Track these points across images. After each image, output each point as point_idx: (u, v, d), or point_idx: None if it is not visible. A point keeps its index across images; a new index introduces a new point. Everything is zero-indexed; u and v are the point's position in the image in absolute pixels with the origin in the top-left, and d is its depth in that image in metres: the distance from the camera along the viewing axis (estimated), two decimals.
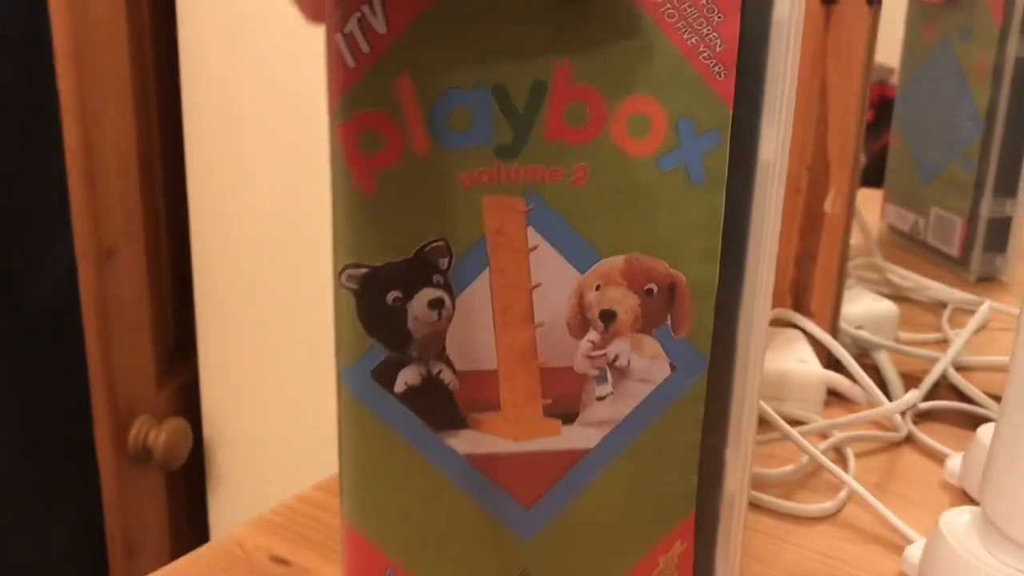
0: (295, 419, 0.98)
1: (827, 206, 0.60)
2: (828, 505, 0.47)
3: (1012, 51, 0.71)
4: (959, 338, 0.63)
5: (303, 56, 0.87)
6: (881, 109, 1.02)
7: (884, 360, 0.64)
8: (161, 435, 0.96)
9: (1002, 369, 0.64)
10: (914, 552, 0.42)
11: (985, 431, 0.49)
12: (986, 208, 0.77)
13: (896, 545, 0.45)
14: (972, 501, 0.48)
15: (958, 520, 0.41)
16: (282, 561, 0.42)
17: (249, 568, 0.42)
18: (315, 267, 0.92)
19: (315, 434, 0.97)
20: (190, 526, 1.07)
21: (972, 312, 0.73)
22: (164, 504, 1.03)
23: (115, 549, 0.99)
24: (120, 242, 0.91)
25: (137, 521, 1.00)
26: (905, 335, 0.69)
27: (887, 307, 0.68)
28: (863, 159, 1.04)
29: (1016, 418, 0.37)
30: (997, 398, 0.59)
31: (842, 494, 0.48)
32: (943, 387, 0.61)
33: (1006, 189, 0.75)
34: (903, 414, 0.57)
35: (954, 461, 0.51)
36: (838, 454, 0.53)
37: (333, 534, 0.44)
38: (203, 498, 1.07)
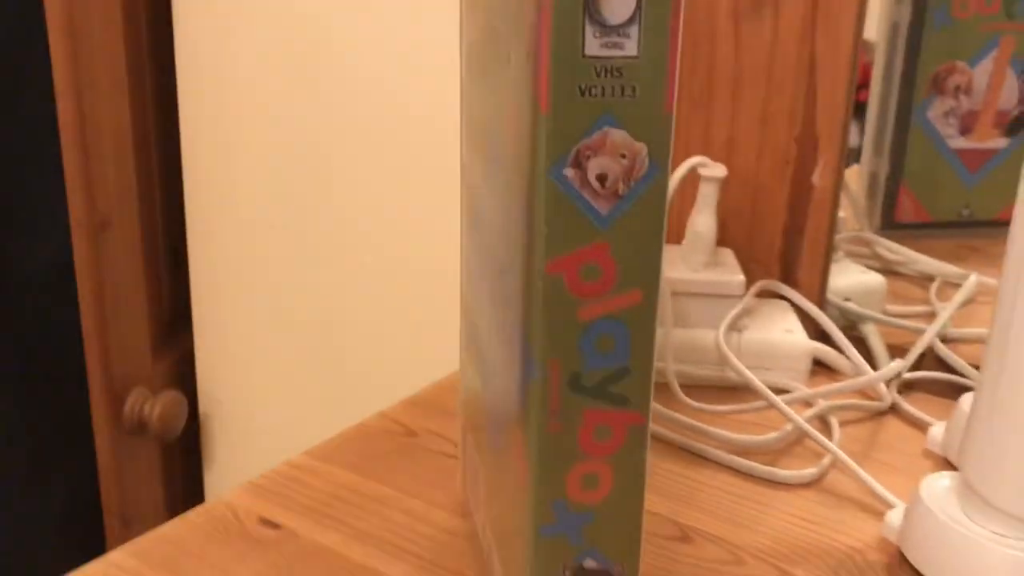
0: (290, 392, 0.99)
1: (815, 178, 0.60)
2: (811, 471, 0.48)
3: None
4: (946, 310, 0.64)
5: (299, 26, 0.87)
6: None
7: (871, 332, 0.64)
8: (156, 407, 0.97)
9: None
10: (894, 517, 0.43)
11: (968, 399, 0.50)
12: None
13: (877, 511, 0.46)
14: (954, 468, 0.49)
15: (938, 485, 0.42)
16: (272, 524, 0.43)
17: (240, 531, 0.42)
18: (311, 239, 0.92)
19: (310, 407, 0.98)
20: (186, 498, 1.08)
21: (961, 286, 0.74)
22: (160, 476, 1.04)
23: (111, 520, 1.00)
24: (114, 215, 0.91)
25: (133, 493, 1.01)
26: (893, 308, 0.69)
27: (875, 280, 0.69)
28: (857, 138, 1.05)
29: (994, 384, 0.38)
30: None
31: (825, 461, 0.49)
32: (929, 359, 0.62)
33: None
34: (888, 384, 0.57)
35: (937, 429, 0.52)
36: (822, 423, 0.54)
37: (322, 498, 0.45)
38: (199, 470, 1.07)
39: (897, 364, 0.54)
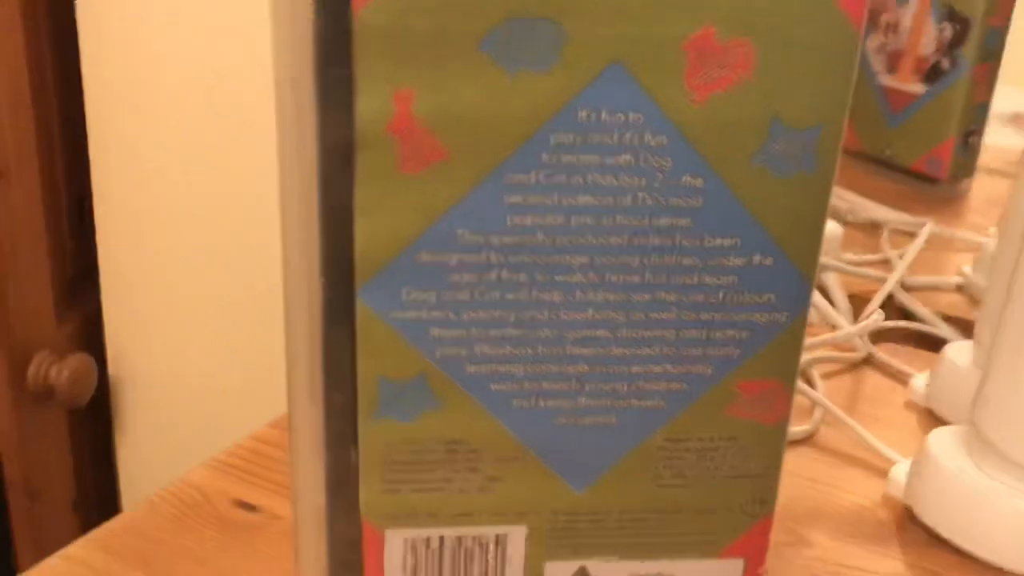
0: (209, 354, 0.93)
1: None
2: (806, 427, 0.47)
3: None
4: (906, 258, 0.64)
5: None
6: None
7: (831, 281, 0.63)
8: (63, 371, 0.90)
9: (945, 289, 0.65)
10: (899, 472, 0.42)
11: (953, 350, 0.49)
12: None
13: (875, 466, 0.45)
14: (940, 420, 0.48)
15: (946, 440, 0.41)
16: (248, 506, 0.39)
17: (215, 516, 0.38)
18: (226, 188, 0.87)
19: (231, 369, 0.93)
20: (96, 469, 1.01)
21: (907, 233, 0.74)
22: (68, 446, 0.97)
23: (16, 493, 0.93)
24: (12, 164, 0.83)
25: (39, 463, 0.94)
26: (848, 256, 0.69)
27: (831, 228, 0.68)
28: None
29: (1021, 335, 0.37)
30: (946, 317, 0.60)
31: (816, 415, 0.47)
32: (889, 308, 0.61)
33: None
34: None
35: (919, 380, 0.51)
36: (803, 376, 0.53)
37: None
38: (110, 439, 1.01)
39: (876, 316, 0.53)
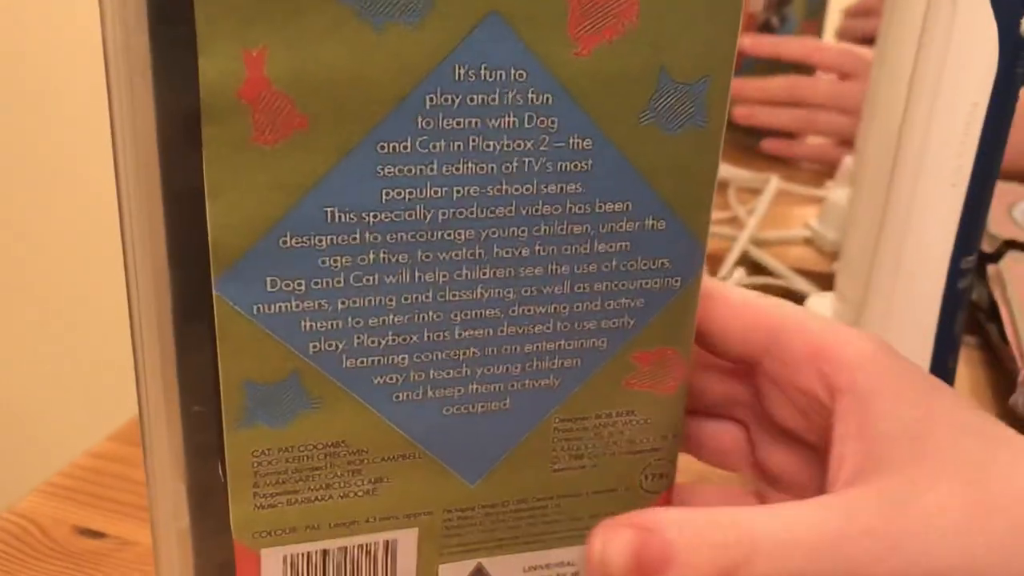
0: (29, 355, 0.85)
1: None
2: None
3: None
4: (755, 214, 0.64)
5: None
6: None
7: None
8: None
9: (794, 242, 0.66)
10: None
11: (814, 303, 0.50)
12: None
13: None
14: None
15: None
16: (93, 533, 0.34)
17: (54, 548, 0.33)
18: (31, 180, 0.79)
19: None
20: None
21: (752, 190, 0.75)
22: None
23: None
24: None
25: None
26: None
27: None
28: None
29: (886, 293, 0.37)
30: (797, 270, 0.60)
31: None
32: (742, 265, 0.61)
33: None
34: None
35: None
36: None
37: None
38: None
39: (739, 273, 0.52)
